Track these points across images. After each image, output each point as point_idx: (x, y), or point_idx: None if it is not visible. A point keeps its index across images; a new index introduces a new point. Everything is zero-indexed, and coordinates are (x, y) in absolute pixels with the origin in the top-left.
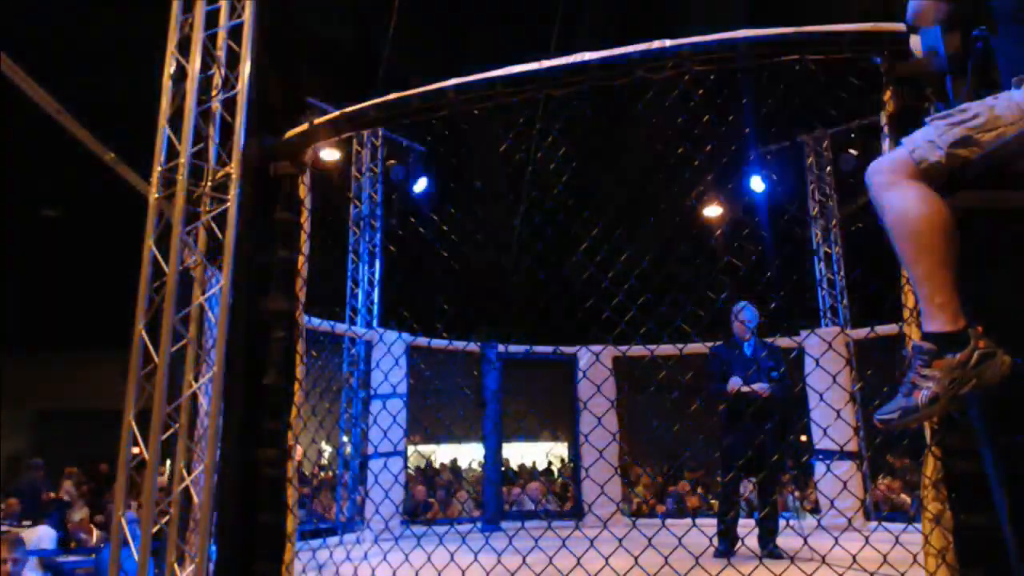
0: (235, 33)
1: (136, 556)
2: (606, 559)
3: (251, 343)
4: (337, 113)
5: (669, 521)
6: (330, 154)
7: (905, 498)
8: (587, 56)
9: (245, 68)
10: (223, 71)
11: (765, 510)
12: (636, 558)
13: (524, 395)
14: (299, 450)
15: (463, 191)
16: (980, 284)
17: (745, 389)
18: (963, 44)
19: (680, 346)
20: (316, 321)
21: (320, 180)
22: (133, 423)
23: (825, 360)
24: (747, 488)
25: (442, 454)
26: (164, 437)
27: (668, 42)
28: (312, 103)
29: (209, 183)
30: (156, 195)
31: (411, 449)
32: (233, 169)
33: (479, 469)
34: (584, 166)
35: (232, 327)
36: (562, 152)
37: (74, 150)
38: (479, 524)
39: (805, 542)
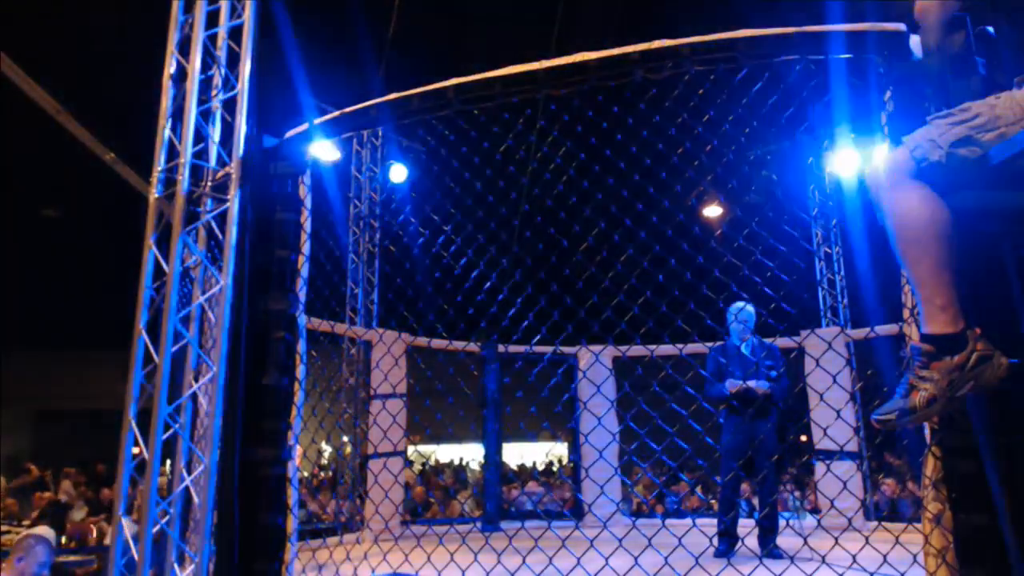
0: (235, 33)
1: (136, 555)
2: (606, 559)
3: (251, 343)
4: (337, 113)
5: (669, 521)
6: (330, 154)
7: (905, 498)
8: (587, 56)
9: (245, 68)
10: (223, 71)
11: (765, 510)
12: (636, 558)
13: (524, 395)
14: (299, 450)
15: (463, 191)
16: (979, 285)
17: (743, 385)
18: (964, 43)
19: (680, 346)
20: (316, 321)
21: (320, 180)
22: (133, 423)
23: (825, 360)
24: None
25: (442, 454)
26: (164, 437)
27: (668, 42)
28: (312, 103)
29: (209, 183)
30: (156, 195)
31: (411, 449)
32: (233, 169)
33: (478, 469)
34: (584, 166)
35: (232, 327)
36: (562, 151)
37: (74, 150)
38: (479, 524)
39: (805, 542)
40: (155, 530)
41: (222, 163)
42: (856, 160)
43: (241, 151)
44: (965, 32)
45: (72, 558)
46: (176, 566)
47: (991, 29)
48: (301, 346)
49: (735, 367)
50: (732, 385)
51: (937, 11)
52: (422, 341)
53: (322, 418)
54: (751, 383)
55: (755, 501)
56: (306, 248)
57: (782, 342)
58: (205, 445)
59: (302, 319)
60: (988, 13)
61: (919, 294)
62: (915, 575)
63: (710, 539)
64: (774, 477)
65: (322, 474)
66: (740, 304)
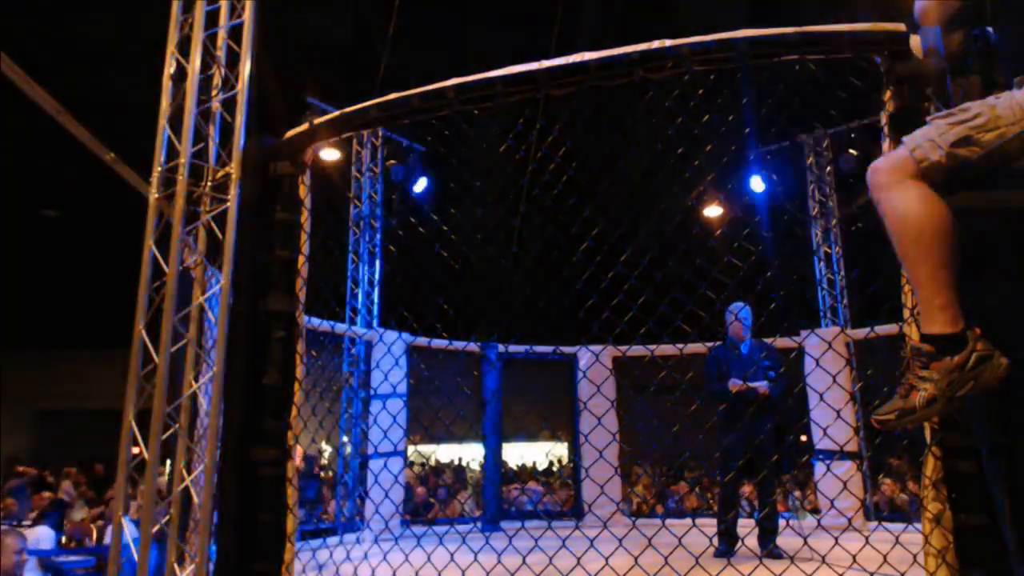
0: (235, 33)
1: (136, 556)
2: (606, 559)
3: (251, 343)
4: (337, 113)
5: (669, 521)
6: (330, 154)
7: (905, 498)
8: (587, 56)
9: (245, 68)
10: (223, 71)
11: (765, 510)
12: (636, 558)
13: (524, 395)
14: (299, 450)
15: (463, 191)
16: (979, 285)
17: (745, 385)
18: (964, 43)
19: (680, 346)
20: (316, 321)
21: (320, 180)
22: (133, 423)
23: (825, 360)
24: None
25: (442, 454)
26: (164, 437)
27: (668, 42)
28: (312, 103)
29: (209, 183)
30: (156, 195)
31: (411, 449)
32: (233, 169)
33: (478, 469)
34: (584, 166)
35: (232, 327)
36: (562, 152)
37: (74, 150)
38: (479, 524)
39: (805, 542)
40: (155, 530)
41: (222, 163)
42: (855, 159)
43: (241, 151)
44: (965, 32)
45: (72, 558)
46: (176, 566)
47: (991, 29)
48: (301, 346)
49: (734, 367)
50: (734, 384)
51: (937, 11)
52: (422, 341)
53: (322, 418)
54: (752, 384)
55: (756, 501)
56: (306, 248)
57: (782, 342)
58: (205, 445)
59: (302, 319)
60: (988, 13)
61: (919, 294)
62: (915, 575)
63: (710, 539)
64: (773, 477)
65: (322, 474)
66: (739, 304)
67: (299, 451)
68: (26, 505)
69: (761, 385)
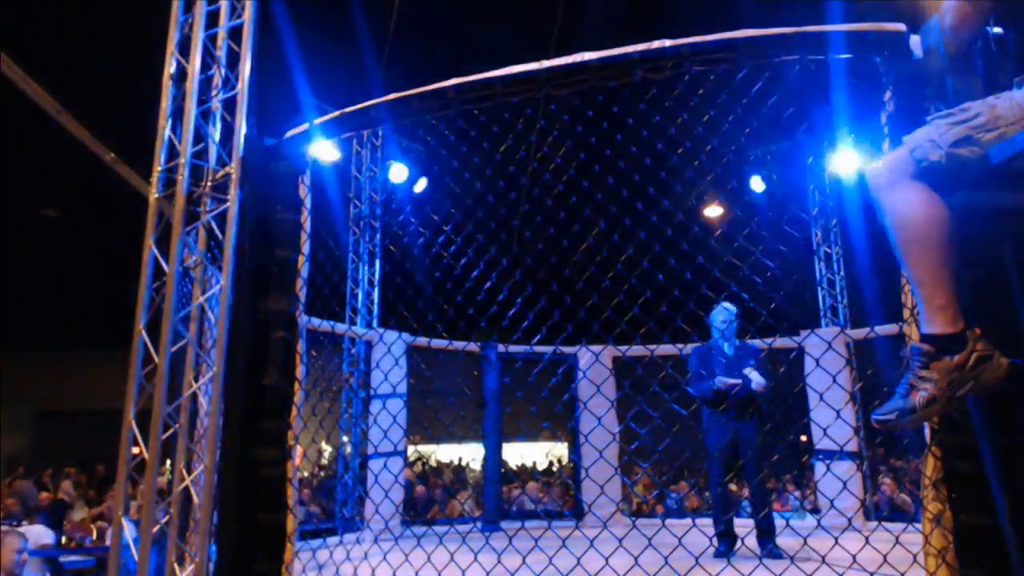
0: (235, 33)
1: (136, 556)
2: (606, 559)
3: (251, 343)
4: (337, 113)
5: (669, 521)
6: (330, 154)
7: (905, 498)
8: (587, 56)
9: (245, 68)
10: (223, 71)
11: (763, 511)
12: (636, 558)
13: (524, 395)
14: (299, 450)
15: (463, 191)
16: (979, 285)
17: (736, 381)
18: (965, 43)
19: (680, 346)
20: (316, 321)
21: (320, 180)
22: (133, 423)
23: (825, 360)
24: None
25: (442, 454)
26: (164, 437)
27: (668, 42)
28: (312, 103)
29: (209, 183)
30: (156, 195)
31: (411, 449)
32: (233, 169)
33: (478, 469)
34: (584, 166)
35: (232, 327)
36: (562, 152)
37: (74, 150)
38: (479, 524)
39: (805, 542)
40: (155, 530)
41: (222, 163)
42: (856, 160)
43: (241, 151)
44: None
45: (72, 558)
46: (176, 566)
47: (991, 29)
48: (301, 346)
49: (718, 367)
50: (723, 382)
51: (977, 15)
52: (422, 341)
53: (322, 418)
54: (747, 372)
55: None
56: (306, 248)
57: (782, 342)
58: (205, 445)
59: (302, 319)
60: (990, 14)
61: (919, 294)
62: (915, 575)
63: (710, 539)
64: (764, 477)
65: (322, 474)
66: (725, 305)
67: (299, 451)
68: (27, 506)
69: (759, 382)
